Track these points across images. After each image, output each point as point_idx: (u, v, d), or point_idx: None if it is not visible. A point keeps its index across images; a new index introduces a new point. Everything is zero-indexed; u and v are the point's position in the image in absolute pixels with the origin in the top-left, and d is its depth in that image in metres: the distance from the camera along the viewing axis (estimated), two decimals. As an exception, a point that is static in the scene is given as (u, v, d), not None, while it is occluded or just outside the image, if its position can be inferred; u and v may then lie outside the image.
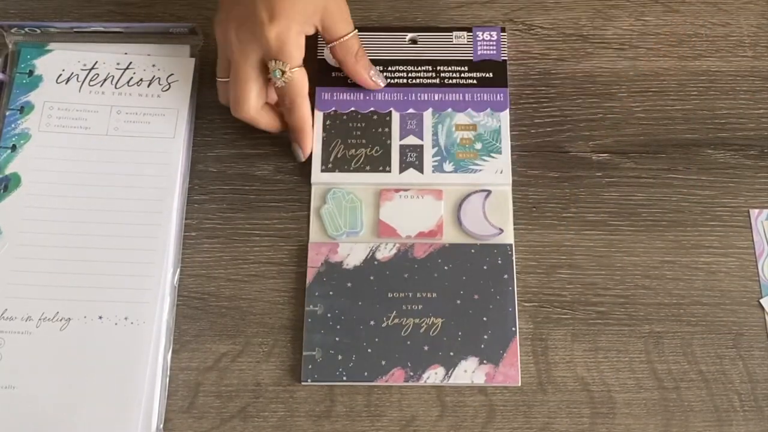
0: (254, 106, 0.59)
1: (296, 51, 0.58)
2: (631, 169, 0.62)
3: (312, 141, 0.62)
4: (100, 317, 0.57)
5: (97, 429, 0.54)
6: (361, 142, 0.62)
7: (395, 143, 0.62)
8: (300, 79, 0.59)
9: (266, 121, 0.61)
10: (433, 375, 0.56)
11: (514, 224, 0.60)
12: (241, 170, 0.63)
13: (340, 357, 0.56)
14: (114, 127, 0.62)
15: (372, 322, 0.57)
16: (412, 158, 0.61)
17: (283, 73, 0.58)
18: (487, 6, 0.67)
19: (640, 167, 0.62)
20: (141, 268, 0.58)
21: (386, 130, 0.62)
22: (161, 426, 0.55)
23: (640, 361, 0.57)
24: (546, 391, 0.56)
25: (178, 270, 0.59)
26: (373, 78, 0.62)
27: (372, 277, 0.58)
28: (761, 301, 0.58)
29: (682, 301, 0.58)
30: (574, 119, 0.63)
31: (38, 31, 0.65)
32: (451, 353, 0.56)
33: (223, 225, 0.61)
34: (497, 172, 0.61)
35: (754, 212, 0.61)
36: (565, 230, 0.60)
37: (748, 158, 0.63)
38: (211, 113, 0.64)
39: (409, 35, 0.65)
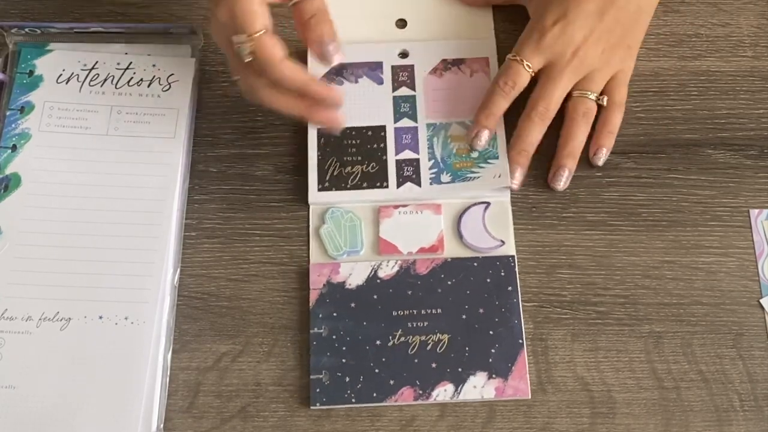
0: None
1: (251, 17, 0.53)
2: (631, 169, 0.62)
3: (331, 93, 0.56)
4: (100, 317, 0.57)
5: (97, 429, 0.54)
6: (356, 159, 0.61)
7: (391, 158, 0.61)
8: (266, 44, 0.53)
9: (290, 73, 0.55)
10: (443, 392, 0.55)
11: (514, 224, 0.60)
12: (241, 170, 0.63)
13: (347, 379, 0.56)
14: (114, 127, 0.62)
15: (378, 342, 0.57)
16: (409, 172, 0.61)
17: (244, 44, 0.53)
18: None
19: (640, 167, 0.62)
20: (141, 267, 0.58)
21: (381, 145, 0.62)
22: (161, 426, 0.55)
23: (640, 361, 0.57)
24: (546, 391, 0.56)
25: (178, 270, 0.59)
26: (323, 51, 0.56)
27: (375, 296, 0.58)
28: (761, 301, 0.58)
29: (682, 301, 0.58)
30: (574, 119, 0.63)
31: (38, 31, 0.65)
32: (460, 369, 0.56)
33: (223, 225, 0.61)
34: (496, 176, 0.60)
35: (754, 212, 0.61)
36: (565, 230, 0.60)
37: (748, 158, 0.63)
38: (211, 113, 0.64)
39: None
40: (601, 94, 0.62)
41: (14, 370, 0.55)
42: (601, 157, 0.61)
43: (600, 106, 0.61)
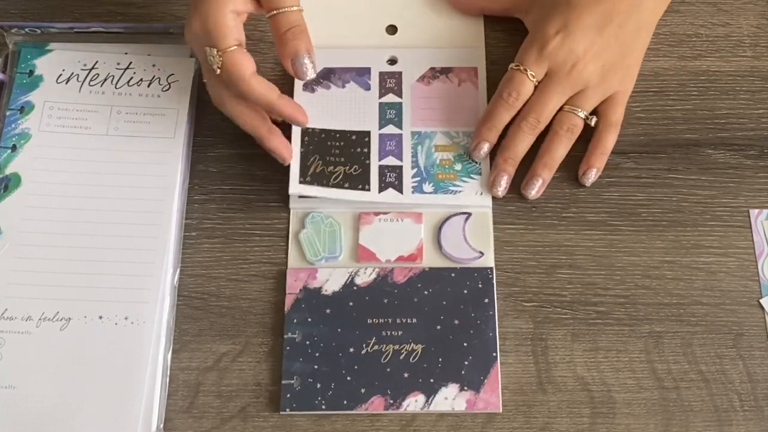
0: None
1: (222, 32, 0.53)
2: (631, 169, 0.62)
3: (297, 113, 0.58)
4: (100, 317, 0.57)
5: (97, 429, 0.54)
6: (339, 160, 0.61)
7: (374, 163, 0.61)
8: (235, 60, 0.54)
9: (260, 87, 0.56)
10: (413, 402, 0.55)
11: (514, 224, 0.60)
12: (241, 170, 0.63)
13: (319, 385, 0.55)
14: (114, 127, 0.62)
15: (351, 349, 0.56)
16: (392, 178, 0.60)
17: (214, 57, 0.54)
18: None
19: (640, 167, 0.62)
20: (141, 268, 0.58)
21: (365, 150, 0.61)
22: (161, 426, 0.55)
23: (640, 361, 0.57)
24: (546, 391, 0.56)
25: (178, 270, 0.59)
26: (295, 67, 0.55)
27: (351, 303, 0.57)
28: (761, 301, 0.58)
29: (682, 301, 0.58)
30: (574, 119, 0.63)
31: (38, 31, 0.65)
32: (432, 380, 0.55)
33: (223, 225, 0.61)
34: (477, 193, 0.60)
35: (754, 212, 0.61)
36: (565, 230, 0.60)
37: (748, 158, 0.63)
38: (211, 113, 0.64)
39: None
40: (594, 113, 0.61)
41: (14, 370, 0.55)
42: (591, 177, 0.61)
43: (587, 125, 0.61)
